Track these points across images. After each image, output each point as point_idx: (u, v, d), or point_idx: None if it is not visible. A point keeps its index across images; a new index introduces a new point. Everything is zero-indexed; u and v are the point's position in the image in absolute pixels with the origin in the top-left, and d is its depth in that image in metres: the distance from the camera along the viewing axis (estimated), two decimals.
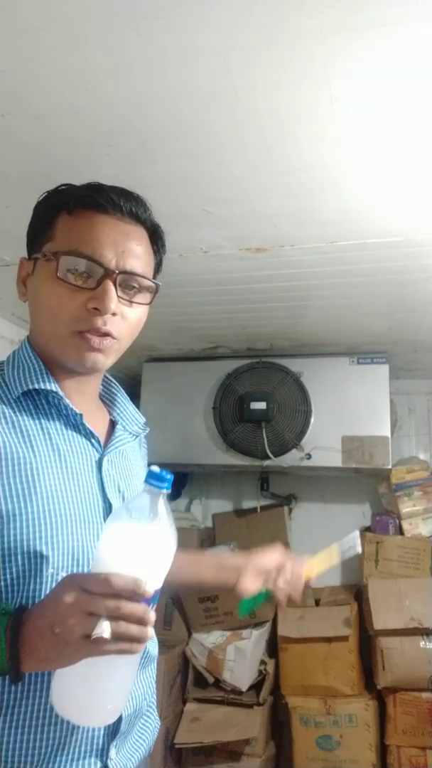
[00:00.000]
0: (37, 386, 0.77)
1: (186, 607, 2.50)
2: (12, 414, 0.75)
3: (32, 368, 0.79)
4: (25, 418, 0.76)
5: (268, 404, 2.40)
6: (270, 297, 1.91)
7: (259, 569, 0.96)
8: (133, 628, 0.59)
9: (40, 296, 0.79)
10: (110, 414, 0.91)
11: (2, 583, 0.69)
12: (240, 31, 0.86)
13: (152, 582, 0.61)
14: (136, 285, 0.80)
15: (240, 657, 2.35)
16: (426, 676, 2.20)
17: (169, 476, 0.64)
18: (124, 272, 0.77)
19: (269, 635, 2.50)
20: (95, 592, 0.58)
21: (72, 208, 0.78)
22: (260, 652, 2.43)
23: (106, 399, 0.93)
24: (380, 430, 2.36)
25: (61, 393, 0.79)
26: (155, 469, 0.65)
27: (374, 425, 2.37)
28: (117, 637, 0.58)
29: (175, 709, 2.41)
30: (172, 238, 1.52)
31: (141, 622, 0.59)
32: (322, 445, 2.40)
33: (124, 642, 0.59)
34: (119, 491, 0.84)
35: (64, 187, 0.83)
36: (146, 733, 0.84)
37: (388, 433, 2.36)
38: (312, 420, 2.42)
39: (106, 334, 0.77)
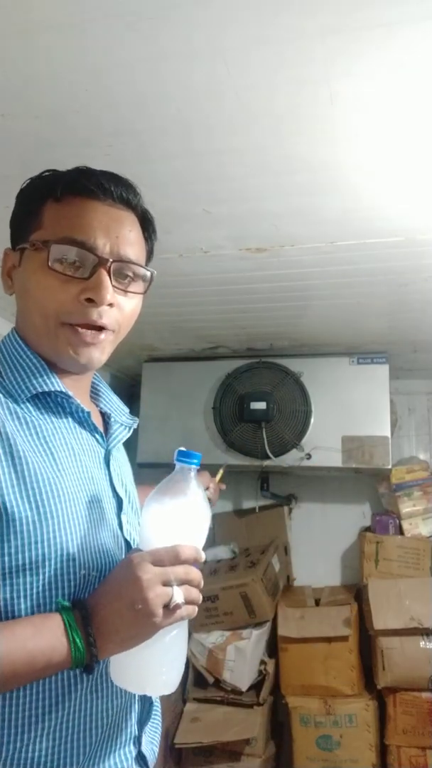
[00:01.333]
0: (45, 388, 0.74)
1: None
2: (27, 415, 0.72)
3: (34, 368, 0.75)
4: (39, 420, 0.74)
5: (268, 404, 2.40)
6: (270, 297, 1.91)
7: None
8: (195, 592, 0.67)
9: (29, 288, 0.74)
10: (98, 406, 0.89)
11: (34, 591, 0.66)
12: (240, 31, 0.86)
13: (201, 550, 0.70)
14: (130, 273, 0.76)
15: (240, 657, 2.35)
16: (426, 676, 2.20)
17: (198, 453, 0.71)
18: (118, 260, 0.74)
19: (269, 635, 2.50)
20: (167, 563, 0.64)
21: (60, 194, 0.74)
22: (260, 652, 2.43)
23: (91, 391, 0.90)
24: (380, 430, 2.36)
25: (70, 393, 0.76)
26: (183, 449, 0.71)
27: (374, 425, 2.37)
28: (188, 601, 0.65)
29: (175, 709, 2.41)
30: (172, 238, 1.53)
31: (199, 586, 0.67)
32: (322, 445, 2.40)
33: (190, 606, 0.66)
34: (123, 484, 0.84)
35: (48, 173, 0.79)
36: (157, 719, 0.88)
37: (388, 433, 2.36)
38: (312, 420, 2.42)
39: (102, 328, 0.74)
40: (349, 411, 2.40)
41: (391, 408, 2.43)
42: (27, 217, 0.76)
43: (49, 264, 0.71)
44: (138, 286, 0.78)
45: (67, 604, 0.65)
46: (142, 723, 0.79)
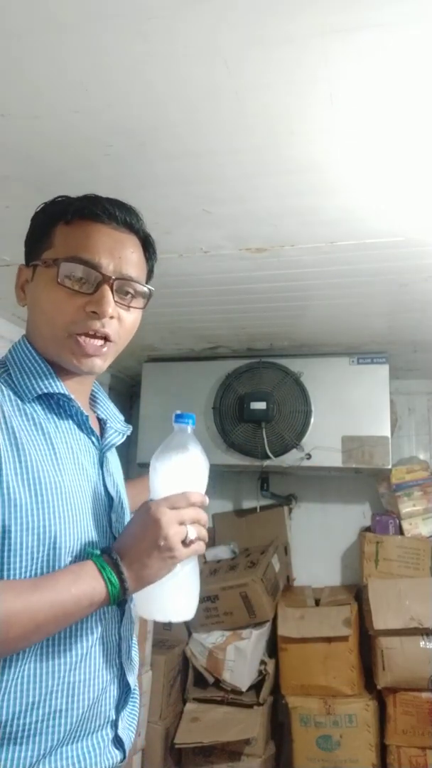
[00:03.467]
0: (49, 390, 0.81)
1: None
2: (33, 414, 0.80)
3: (40, 371, 0.82)
4: (44, 418, 0.81)
5: (268, 404, 2.40)
6: (270, 297, 1.91)
7: None
8: (203, 530, 0.80)
9: (39, 300, 0.83)
10: (95, 412, 0.96)
11: (27, 573, 0.74)
12: (240, 31, 0.86)
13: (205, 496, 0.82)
14: (131, 290, 0.85)
15: (240, 657, 2.35)
16: (426, 676, 2.20)
17: (192, 414, 0.84)
18: (120, 278, 0.82)
19: (269, 635, 2.50)
20: (181, 506, 0.77)
21: (70, 218, 0.82)
22: (260, 652, 2.43)
23: (90, 398, 0.97)
24: (380, 430, 2.36)
25: (71, 396, 0.83)
26: (178, 411, 0.84)
27: (374, 425, 2.37)
28: (199, 537, 0.78)
29: (175, 709, 2.41)
30: (172, 238, 1.53)
31: (206, 525, 0.80)
32: (322, 445, 2.40)
33: (201, 542, 0.79)
34: (114, 485, 0.91)
35: (60, 199, 0.87)
36: (135, 707, 0.92)
37: (388, 433, 2.36)
38: (312, 420, 2.42)
39: (104, 337, 0.82)
40: (349, 411, 2.40)
41: (391, 408, 2.43)
42: (39, 238, 0.85)
43: (58, 279, 0.80)
44: (138, 302, 0.86)
45: (97, 552, 0.77)
46: (119, 708, 0.85)
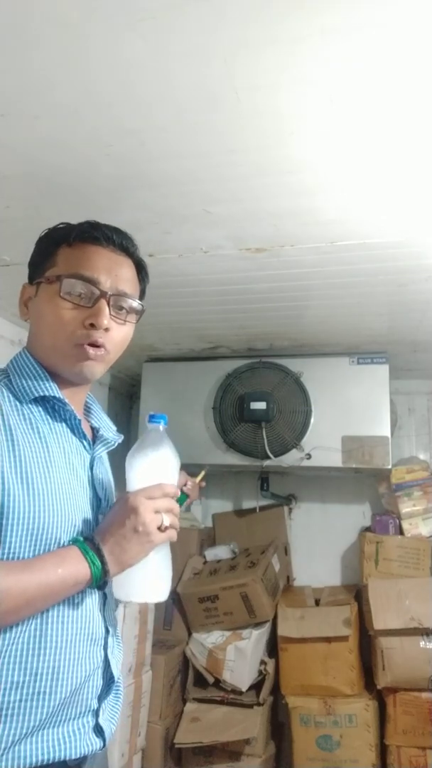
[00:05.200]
0: (45, 393, 0.89)
1: (186, 607, 2.51)
2: (30, 415, 0.88)
3: (38, 376, 0.90)
4: (39, 420, 0.89)
5: (268, 404, 2.40)
6: (270, 297, 1.91)
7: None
8: (175, 519, 0.87)
9: (43, 313, 0.90)
10: (89, 421, 1.03)
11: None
12: (240, 31, 0.86)
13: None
14: (125, 306, 0.93)
15: (240, 657, 2.35)
16: (426, 676, 2.20)
17: (164, 414, 0.92)
18: (116, 294, 0.90)
19: (269, 635, 2.50)
20: (157, 497, 0.85)
21: (72, 240, 0.91)
22: (260, 652, 2.43)
23: (84, 408, 1.04)
24: (380, 430, 2.36)
25: (65, 400, 0.91)
26: (152, 412, 0.92)
27: (374, 425, 2.37)
28: (171, 525, 0.86)
29: (175, 709, 2.41)
30: (172, 238, 1.53)
31: (177, 515, 0.88)
32: (322, 445, 2.40)
33: (172, 530, 0.86)
34: (103, 487, 0.98)
35: (63, 225, 0.96)
36: (118, 699, 0.97)
37: (388, 433, 2.36)
38: (312, 420, 2.42)
39: (101, 346, 0.90)
40: (349, 411, 2.40)
41: (391, 408, 2.43)
42: (43, 259, 0.93)
43: (61, 294, 0.88)
44: (131, 317, 0.95)
45: (80, 538, 0.84)
46: (101, 698, 0.90)
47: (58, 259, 0.91)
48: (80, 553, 0.81)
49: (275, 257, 1.60)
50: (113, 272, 0.91)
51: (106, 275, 0.90)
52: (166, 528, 0.85)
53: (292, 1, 0.81)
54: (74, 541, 0.83)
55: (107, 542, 0.83)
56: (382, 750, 2.27)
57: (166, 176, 1.24)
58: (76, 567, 0.80)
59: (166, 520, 0.85)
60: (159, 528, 0.84)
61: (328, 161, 1.18)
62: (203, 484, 1.24)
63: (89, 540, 0.83)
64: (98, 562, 0.80)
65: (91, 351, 0.89)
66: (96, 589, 0.85)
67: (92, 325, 0.87)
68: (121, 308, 0.92)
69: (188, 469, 1.11)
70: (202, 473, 1.27)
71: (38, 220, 1.43)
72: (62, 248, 0.92)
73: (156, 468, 0.89)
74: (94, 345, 0.88)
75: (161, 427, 0.92)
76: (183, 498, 1.13)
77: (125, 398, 3.04)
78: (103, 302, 0.88)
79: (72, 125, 1.08)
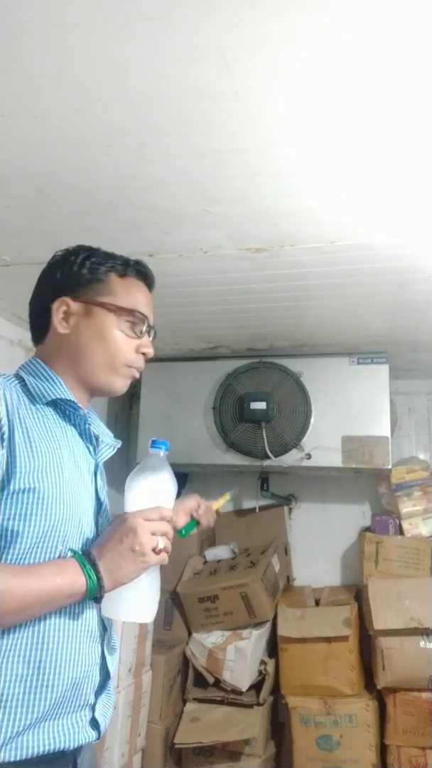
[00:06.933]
0: (61, 396, 0.95)
1: (186, 607, 2.50)
2: (43, 417, 0.93)
3: (52, 381, 0.97)
4: (52, 422, 0.94)
5: (268, 404, 2.40)
6: (270, 297, 1.91)
7: (185, 510, 1.17)
8: (168, 543, 0.91)
9: (102, 335, 0.99)
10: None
11: (18, 554, 0.84)
12: (240, 31, 0.86)
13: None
14: (154, 333, 1.07)
15: (240, 657, 2.35)
16: (426, 676, 2.20)
17: (166, 441, 0.96)
18: (152, 327, 1.06)
19: (269, 635, 2.50)
20: (154, 519, 0.89)
21: (124, 273, 1.02)
22: (260, 652, 2.43)
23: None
24: (380, 430, 2.36)
25: (78, 404, 0.97)
26: (154, 438, 0.97)
27: (374, 425, 2.37)
28: (165, 548, 0.89)
29: (175, 709, 2.41)
30: (172, 238, 1.53)
31: (170, 539, 0.92)
32: (322, 445, 2.40)
33: (165, 553, 0.89)
34: (104, 493, 1.04)
35: (108, 253, 1.04)
36: (110, 694, 1.01)
37: (388, 433, 2.36)
38: (312, 420, 2.42)
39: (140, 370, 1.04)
40: (349, 411, 2.40)
41: (391, 408, 2.43)
42: (92, 281, 1.00)
43: (121, 326, 0.99)
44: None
45: (78, 550, 0.88)
46: (98, 693, 0.94)
47: (114, 288, 1.01)
48: (78, 565, 0.85)
49: (275, 257, 1.60)
50: (151, 309, 1.05)
51: (149, 312, 1.04)
52: (160, 551, 0.89)
53: (287, 1, 0.81)
54: (73, 554, 0.87)
55: (104, 558, 0.86)
56: (382, 750, 2.27)
57: (166, 176, 1.24)
58: (74, 578, 0.83)
59: (161, 542, 0.88)
60: (154, 550, 0.88)
61: (328, 161, 1.18)
62: (219, 514, 1.27)
63: (86, 554, 0.87)
64: (94, 576, 0.84)
65: (137, 374, 1.03)
66: (92, 602, 0.88)
67: (144, 354, 1.02)
68: (153, 336, 1.07)
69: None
70: (224, 498, 1.31)
71: (38, 220, 1.44)
72: (113, 277, 1.01)
73: (154, 492, 0.93)
74: (140, 369, 1.03)
75: (162, 453, 0.96)
76: (191, 525, 1.17)
77: (125, 398, 3.04)
78: (149, 334, 1.03)
79: (72, 125, 1.08)
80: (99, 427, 1.09)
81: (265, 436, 2.40)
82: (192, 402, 2.56)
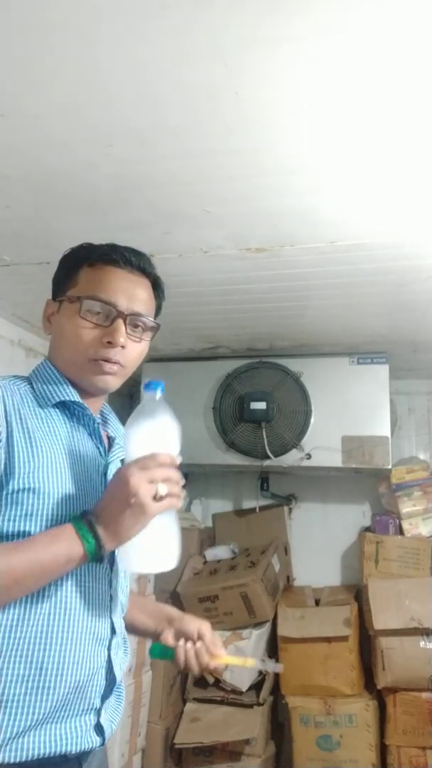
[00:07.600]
0: (66, 398, 0.94)
1: (186, 607, 2.50)
2: (49, 419, 0.93)
3: (59, 382, 0.96)
4: (58, 424, 0.94)
5: (268, 404, 2.40)
6: (270, 297, 1.91)
7: (181, 630, 1.07)
8: (176, 487, 0.85)
9: (64, 330, 0.96)
10: (105, 431, 1.06)
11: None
12: (240, 31, 0.86)
13: (177, 455, 0.88)
14: (141, 324, 0.98)
15: (240, 657, 2.34)
16: (426, 676, 2.20)
17: (160, 381, 0.90)
18: (131, 314, 0.96)
19: (269, 635, 2.50)
20: (150, 467, 0.83)
21: (93, 261, 0.97)
22: (260, 652, 2.43)
23: (100, 419, 1.08)
24: (380, 430, 2.36)
25: (85, 405, 0.96)
26: (147, 380, 0.90)
27: (374, 425, 2.37)
28: (169, 494, 0.83)
29: (175, 709, 2.41)
30: (172, 238, 1.53)
31: (179, 482, 0.85)
32: (322, 445, 2.40)
33: (173, 498, 0.84)
34: None
35: (85, 245, 1.01)
36: (120, 700, 0.99)
37: (388, 433, 2.36)
38: (312, 420, 2.42)
39: (116, 362, 0.95)
40: (349, 411, 2.40)
41: (391, 408, 2.43)
42: (66, 277, 0.99)
43: (80, 314, 0.94)
44: (146, 335, 1.01)
45: (76, 514, 0.85)
46: (104, 697, 0.92)
47: (80, 279, 0.97)
48: (74, 529, 0.82)
49: (275, 257, 1.60)
50: (129, 293, 0.96)
51: (123, 296, 0.95)
52: (163, 497, 0.83)
53: (290, 2, 0.81)
54: (70, 519, 0.85)
55: (101, 517, 0.83)
56: (382, 750, 2.27)
57: (166, 176, 1.24)
58: (69, 543, 0.81)
59: (162, 489, 0.83)
60: (154, 498, 0.83)
61: (328, 161, 1.18)
62: (226, 665, 1.13)
63: (84, 516, 0.84)
64: (91, 539, 0.81)
65: (106, 366, 0.94)
66: (96, 563, 0.86)
67: (109, 343, 0.94)
68: (136, 326, 0.98)
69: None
70: (245, 662, 1.18)
71: (38, 220, 1.44)
72: (83, 268, 0.97)
73: (152, 438, 0.87)
74: (109, 361, 0.94)
75: (157, 394, 0.90)
76: (166, 653, 1.02)
77: (125, 398, 3.04)
78: (120, 322, 0.94)
79: (72, 126, 1.08)
80: (117, 429, 1.07)
81: (265, 436, 2.40)
82: (192, 402, 2.56)
